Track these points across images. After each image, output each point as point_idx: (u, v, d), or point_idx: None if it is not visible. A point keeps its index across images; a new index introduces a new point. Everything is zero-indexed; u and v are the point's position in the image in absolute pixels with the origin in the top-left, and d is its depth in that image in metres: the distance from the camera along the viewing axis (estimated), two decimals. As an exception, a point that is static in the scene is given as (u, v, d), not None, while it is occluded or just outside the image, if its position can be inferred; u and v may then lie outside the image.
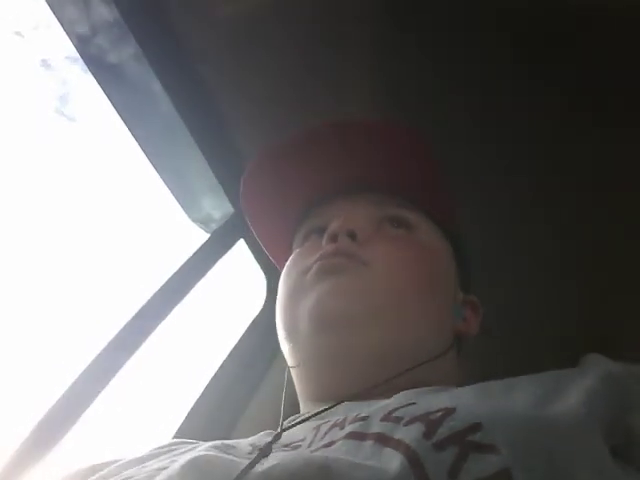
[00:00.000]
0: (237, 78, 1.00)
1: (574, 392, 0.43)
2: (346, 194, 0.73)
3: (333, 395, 0.58)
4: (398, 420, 0.44)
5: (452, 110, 1.01)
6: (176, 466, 0.43)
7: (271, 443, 0.47)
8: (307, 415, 0.56)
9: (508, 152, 1.05)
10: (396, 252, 0.66)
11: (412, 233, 0.70)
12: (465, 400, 0.46)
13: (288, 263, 0.71)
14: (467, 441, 0.39)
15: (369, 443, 0.43)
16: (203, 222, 1.14)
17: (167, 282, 0.94)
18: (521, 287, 1.20)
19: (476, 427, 0.40)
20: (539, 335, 1.22)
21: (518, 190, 1.09)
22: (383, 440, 0.43)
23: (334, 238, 0.66)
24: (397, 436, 0.42)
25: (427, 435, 0.40)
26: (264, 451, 0.44)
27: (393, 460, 0.39)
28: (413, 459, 0.39)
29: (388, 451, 0.41)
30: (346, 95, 1.01)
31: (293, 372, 0.69)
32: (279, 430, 0.53)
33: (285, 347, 0.68)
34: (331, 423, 0.51)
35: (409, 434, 0.41)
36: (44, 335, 0.95)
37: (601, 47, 0.89)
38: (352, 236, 0.66)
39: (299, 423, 0.55)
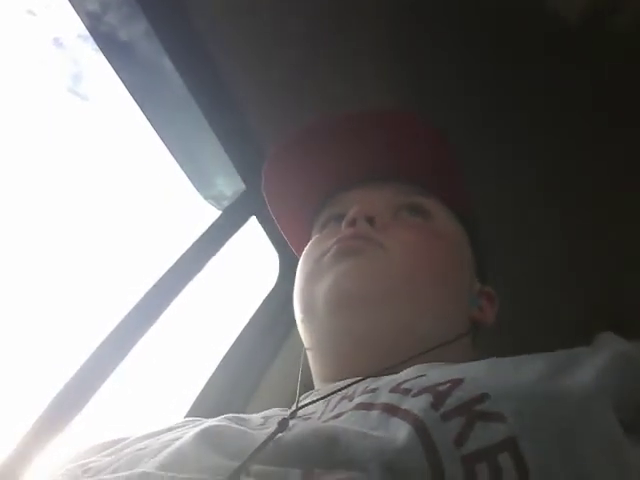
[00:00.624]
0: (250, 61, 1.00)
1: (585, 368, 0.43)
2: (364, 183, 0.75)
3: (348, 376, 0.58)
4: (407, 392, 0.45)
5: (468, 106, 1.01)
6: (189, 435, 0.44)
7: (289, 418, 0.47)
8: (322, 394, 0.56)
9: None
10: (413, 238, 0.67)
11: (428, 221, 0.71)
12: (474, 373, 0.46)
13: (307, 247, 0.73)
14: (474, 410, 0.39)
15: (376, 413, 0.44)
16: (215, 199, 1.14)
17: (179, 259, 0.95)
18: (534, 273, 1.20)
19: (483, 397, 0.40)
20: (553, 320, 1.21)
21: (530, 176, 1.09)
22: (391, 410, 0.43)
23: (353, 223, 0.67)
24: (405, 406, 0.43)
25: (435, 405, 0.41)
26: (282, 425, 0.45)
27: (400, 429, 0.40)
28: (420, 429, 0.39)
29: (395, 421, 0.42)
30: (360, 82, 1.01)
31: (309, 353, 0.70)
32: (295, 407, 0.54)
33: (302, 327, 0.69)
34: (340, 396, 0.52)
35: (417, 404, 0.42)
36: (60, 310, 0.96)
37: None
38: (370, 221, 0.67)
39: (314, 402, 0.55)
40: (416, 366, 0.54)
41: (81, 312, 0.96)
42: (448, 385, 0.43)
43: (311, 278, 0.68)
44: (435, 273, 0.66)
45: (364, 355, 0.62)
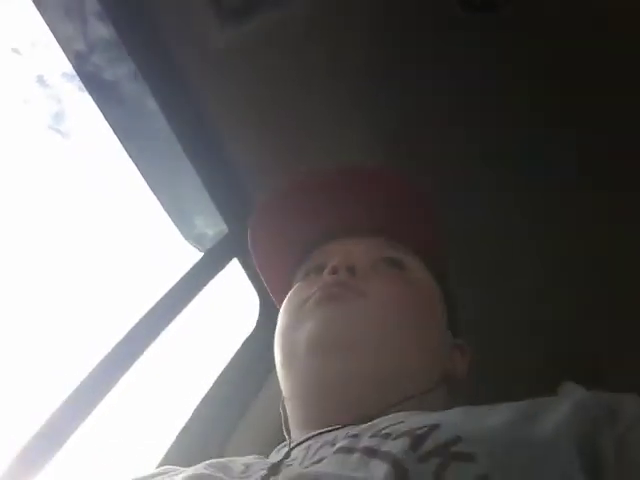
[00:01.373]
0: (232, 102, 1.02)
1: (549, 415, 0.45)
2: (343, 236, 0.77)
3: (328, 423, 0.59)
4: (387, 436, 0.47)
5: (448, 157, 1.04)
6: None
7: (280, 462, 0.50)
8: (312, 434, 0.58)
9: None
10: (392, 288, 0.69)
11: (405, 273, 0.73)
12: (449, 419, 0.48)
13: (289, 294, 0.74)
14: (449, 452, 0.42)
15: (357, 455, 0.46)
16: (197, 240, 1.14)
17: (160, 301, 0.94)
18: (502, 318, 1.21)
19: (457, 439, 0.43)
20: (521, 365, 1.22)
21: (506, 219, 1.11)
22: (370, 453, 0.46)
23: (335, 271, 0.69)
24: (384, 448, 0.45)
25: (413, 447, 0.44)
26: (274, 469, 0.47)
27: (379, 469, 0.42)
28: (399, 468, 0.42)
29: (375, 462, 0.44)
30: (342, 132, 1.03)
31: (287, 403, 0.70)
32: (288, 449, 0.56)
33: (282, 373, 0.70)
34: (321, 442, 0.54)
35: (396, 446, 0.45)
36: (37, 353, 0.94)
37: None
38: (351, 271, 0.69)
39: (304, 442, 0.56)
40: (395, 414, 0.55)
41: (60, 352, 0.94)
42: (425, 429, 0.46)
43: (293, 324, 0.69)
44: (412, 320, 0.68)
45: (343, 401, 0.62)
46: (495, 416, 0.47)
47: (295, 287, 0.75)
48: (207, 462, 0.54)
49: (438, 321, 0.74)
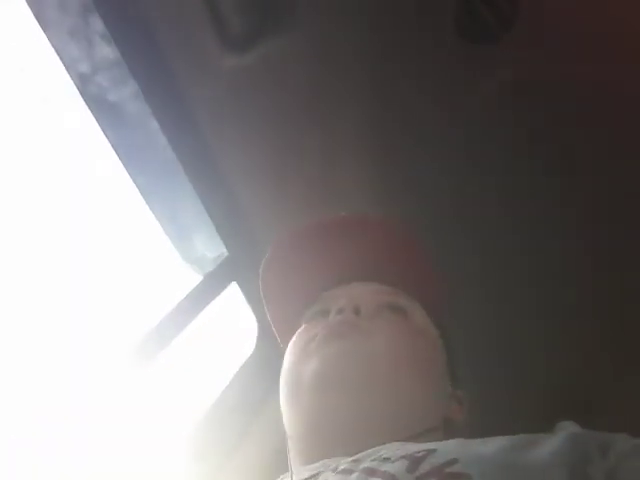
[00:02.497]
0: (234, 125, 1.03)
1: (544, 445, 0.48)
2: (350, 281, 0.80)
3: (329, 456, 0.61)
4: (386, 459, 0.51)
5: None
6: None
7: None
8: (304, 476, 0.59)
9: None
10: (396, 330, 0.72)
11: (408, 319, 0.76)
12: (446, 445, 0.51)
13: (296, 334, 0.77)
14: (445, 472, 0.45)
15: (356, 475, 0.50)
16: (196, 263, 1.13)
17: (159, 323, 0.94)
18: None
19: (454, 461, 0.46)
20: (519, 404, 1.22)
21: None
22: (370, 472, 0.49)
23: (341, 312, 0.72)
24: (383, 469, 0.49)
25: (410, 469, 0.47)
26: None
27: None
28: None
29: None
30: (342, 156, 1.04)
31: (290, 441, 0.72)
32: None
33: (286, 410, 0.71)
34: (324, 468, 0.57)
35: (395, 467, 0.48)
36: (36, 373, 0.93)
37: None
38: (357, 311, 0.72)
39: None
40: (394, 443, 0.57)
41: (56, 373, 0.94)
42: (423, 453, 0.49)
43: (299, 360, 0.71)
44: (415, 365, 0.70)
45: (346, 438, 0.63)
46: (491, 444, 0.49)
47: (301, 328, 0.77)
48: None
49: (440, 369, 0.76)
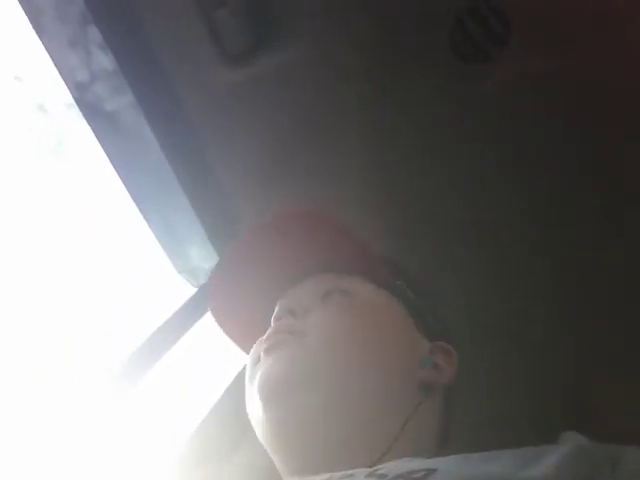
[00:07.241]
0: (231, 138, 1.03)
1: (550, 457, 0.45)
2: (296, 282, 0.79)
3: (310, 468, 0.60)
4: (382, 476, 0.48)
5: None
6: None
7: None
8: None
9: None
10: (332, 318, 0.70)
11: (353, 299, 0.74)
12: (446, 465, 0.48)
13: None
14: None
15: None
16: (190, 274, 1.13)
17: (152, 335, 0.93)
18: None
19: None
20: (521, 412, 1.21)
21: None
22: None
23: (279, 319, 0.74)
24: None
25: None
26: None
27: None
28: None
29: None
30: (342, 169, 1.04)
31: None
32: None
33: (253, 425, 0.70)
34: None
35: None
36: (26, 387, 0.93)
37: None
38: (293, 313, 0.73)
39: None
40: (392, 461, 0.55)
41: (49, 384, 0.93)
42: (422, 473, 0.45)
43: (250, 380, 0.70)
44: (360, 350, 0.67)
45: (305, 446, 0.63)
46: (495, 462, 0.47)
47: (254, 346, 0.75)
48: None
49: (399, 335, 0.73)
